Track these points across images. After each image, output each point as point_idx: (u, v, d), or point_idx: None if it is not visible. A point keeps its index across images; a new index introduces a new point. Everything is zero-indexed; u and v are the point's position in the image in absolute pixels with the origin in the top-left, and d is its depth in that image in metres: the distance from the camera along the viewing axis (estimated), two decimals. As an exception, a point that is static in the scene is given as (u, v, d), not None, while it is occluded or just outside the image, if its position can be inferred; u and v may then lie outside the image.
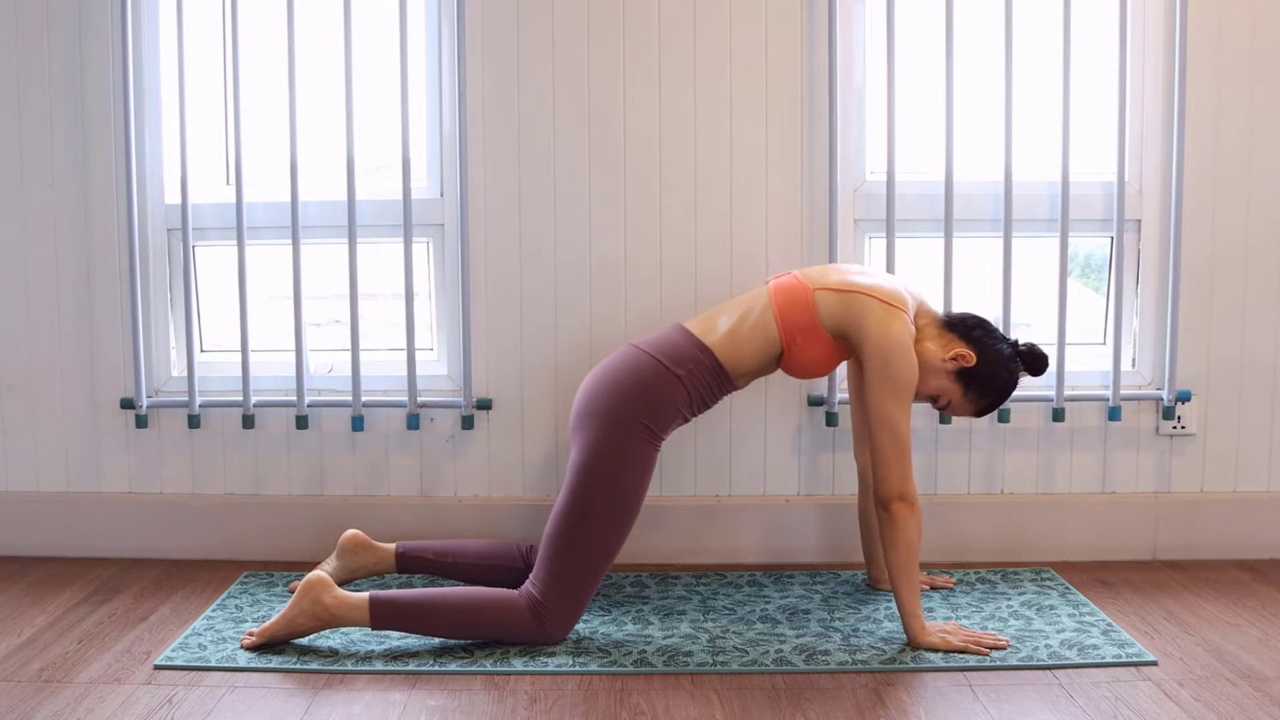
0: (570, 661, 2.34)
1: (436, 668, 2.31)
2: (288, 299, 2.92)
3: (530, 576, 2.42)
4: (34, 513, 3.01)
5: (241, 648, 2.40)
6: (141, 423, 2.95)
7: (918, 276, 2.98)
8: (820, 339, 2.45)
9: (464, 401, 2.93)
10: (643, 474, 2.40)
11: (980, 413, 2.53)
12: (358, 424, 2.94)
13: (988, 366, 2.47)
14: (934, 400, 2.53)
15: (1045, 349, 2.56)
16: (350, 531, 2.71)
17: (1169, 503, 2.98)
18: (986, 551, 2.96)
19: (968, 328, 2.51)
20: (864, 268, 2.58)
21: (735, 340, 2.47)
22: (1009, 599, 2.67)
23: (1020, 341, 2.54)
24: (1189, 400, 2.94)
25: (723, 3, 2.87)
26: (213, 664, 2.32)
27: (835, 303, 2.44)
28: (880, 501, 2.40)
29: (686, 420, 2.50)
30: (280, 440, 3.00)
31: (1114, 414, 2.91)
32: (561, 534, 2.38)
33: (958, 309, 2.82)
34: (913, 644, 2.39)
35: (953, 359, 2.46)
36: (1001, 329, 2.86)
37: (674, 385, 2.42)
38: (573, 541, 2.37)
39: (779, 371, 2.55)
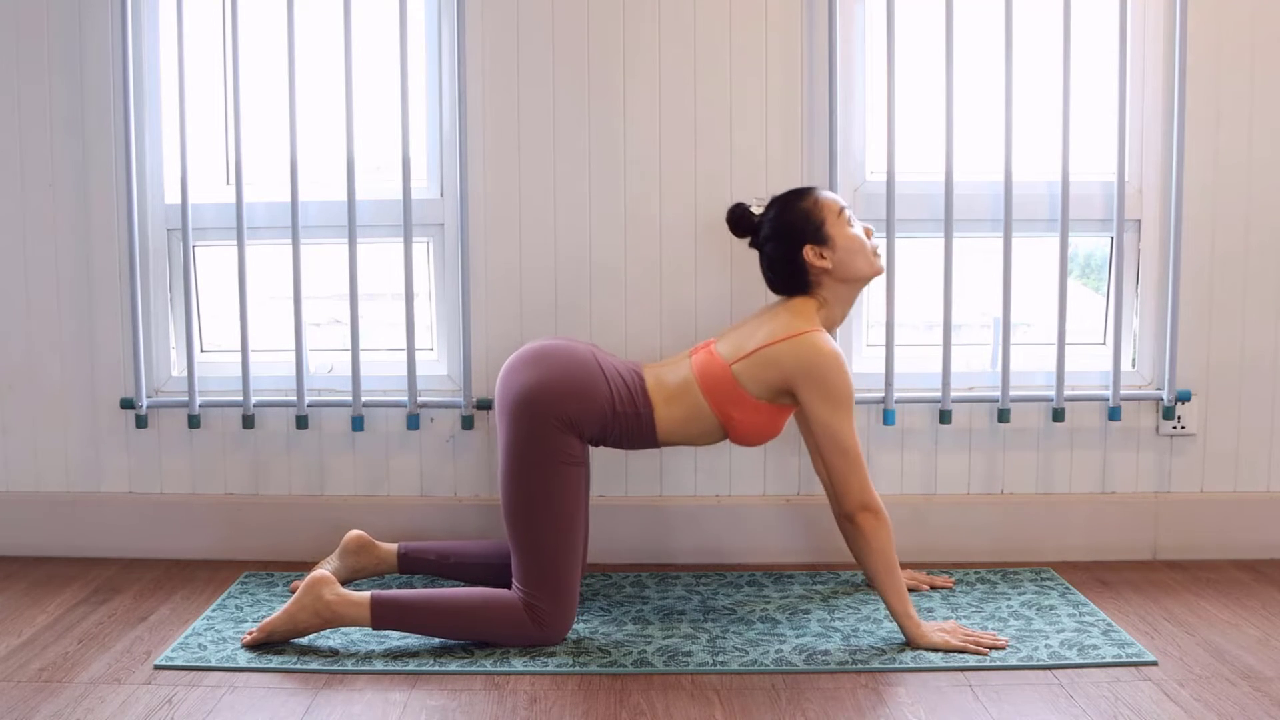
0: (570, 661, 2.34)
1: (436, 668, 2.31)
2: (288, 299, 2.92)
3: (513, 578, 2.42)
4: (34, 513, 3.01)
5: (242, 645, 2.40)
6: (141, 423, 2.95)
7: (918, 277, 2.99)
8: (756, 408, 2.43)
9: (464, 401, 2.93)
10: (570, 461, 2.38)
11: (840, 210, 2.47)
12: (358, 424, 2.94)
13: (796, 230, 2.45)
14: (874, 254, 2.48)
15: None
16: (354, 532, 2.71)
17: (1169, 503, 2.98)
18: (986, 551, 2.96)
19: (792, 268, 2.47)
20: (766, 313, 2.52)
21: (670, 405, 2.45)
22: (1009, 599, 2.67)
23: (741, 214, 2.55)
24: (1189, 400, 2.94)
25: (723, 3, 2.87)
26: (213, 664, 2.32)
27: (753, 369, 2.42)
28: (845, 516, 2.40)
29: (591, 442, 2.48)
30: (280, 440, 3.00)
31: (1114, 414, 2.91)
32: (516, 531, 2.38)
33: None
34: (912, 644, 2.39)
35: (823, 270, 2.44)
36: (1001, 332, 2.86)
37: (605, 412, 2.41)
38: (528, 536, 2.37)
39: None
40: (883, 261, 2.53)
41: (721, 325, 2.92)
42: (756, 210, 2.55)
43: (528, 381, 2.40)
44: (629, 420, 2.44)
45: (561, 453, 2.37)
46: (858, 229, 2.48)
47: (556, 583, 2.38)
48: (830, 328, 2.51)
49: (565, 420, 2.37)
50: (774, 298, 2.58)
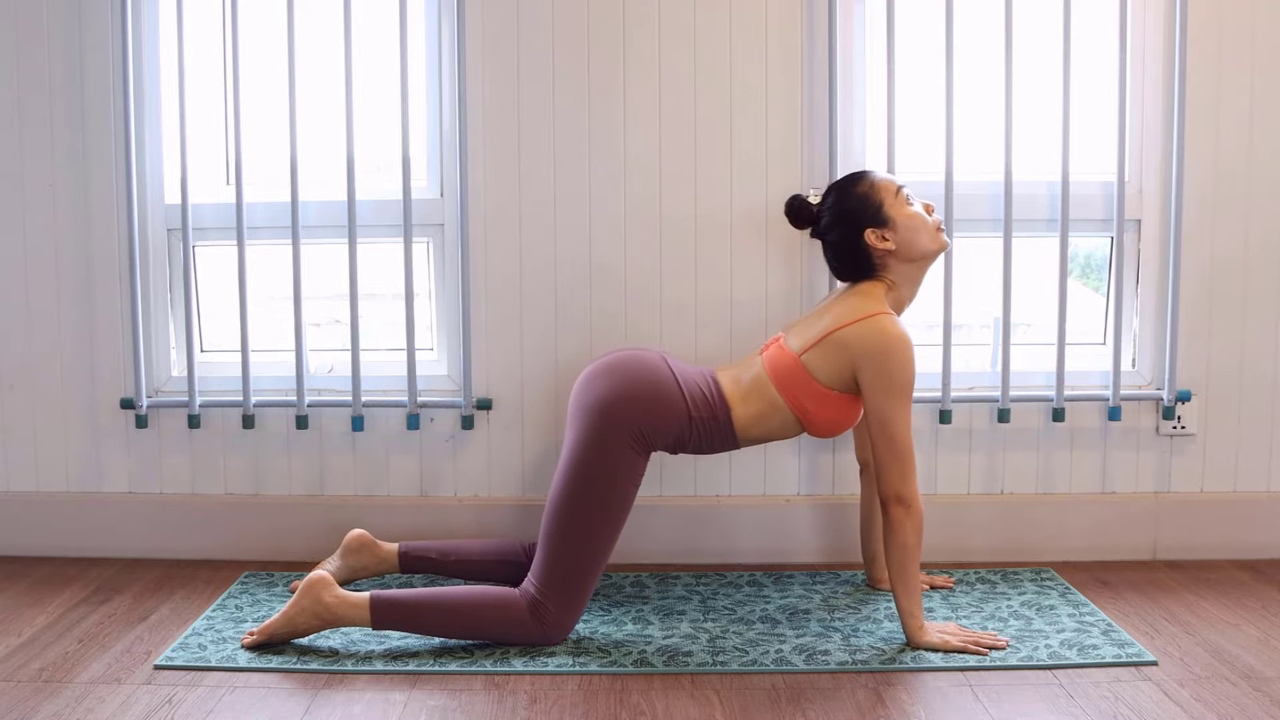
0: (570, 661, 2.34)
1: (436, 668, 2.31)
2: (288, 299, 2.92)
3: (529, 574, 2.42)
4: (34, 513, 3.01)
5: (241, 646, 2.40)
6: (141, 423, 2.95)
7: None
8: (829, 399, 2.43)
9: (464, 401, 2.93)
10: (632, 478, 2.40)
11: (897, 190, 2.46)
12: (358, 424, 2.94)
13: (856, 215, 2.44)
14: (936, 230, 2.47)
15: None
16: (356, 531, 2.71)
17: (1169, 503, 2.98)
18: (986, 551, 2.96)
19: (856, 255, 2.46)
20: (825, 304, 2.54)
21: (747, 402, 2.45)
22: (1009, 599, 2.67)
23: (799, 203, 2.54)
24: (1189, 400, 2.94)
25: (723, 3, 2.87)
26: (213, 664, 2.32)
27: (822, 357, 2.41)
28: (880, 500, 2.41)
29: (669, 450, 2.48)
30: (280, 440, 3.00)
31: (1114, 414, 2.91)
32: (555, 533, 2.38)
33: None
34: (912, 644, 2.39)
35: (887, 252, 2.43)
36: (1001, 332, 2.86)
37: (681, 420, 2.42)
38: (566, 541, 2.37)
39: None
40: (946, 236, 2.51)
41: (722, 324, 2.92)
42: (814, 200, 2.54)
43: (604, 392, 2.40)
44: (707, 424, 2.44)
45: (625, 469, 2.38)
46: (917, 206, 2.47)
47: (574, 589, 2.38)
48: (899, 309, 2.49)
49: (638, 433, 2.37)
50: (818, 295, 2.56)
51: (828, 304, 2.52)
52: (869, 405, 2.38)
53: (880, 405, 2.37)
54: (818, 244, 2.88)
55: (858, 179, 2.49)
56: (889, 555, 2.39)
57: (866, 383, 2.38)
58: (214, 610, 2.62)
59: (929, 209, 2.48)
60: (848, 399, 2.44)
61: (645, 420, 2.38)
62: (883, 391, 2.36)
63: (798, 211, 2.55)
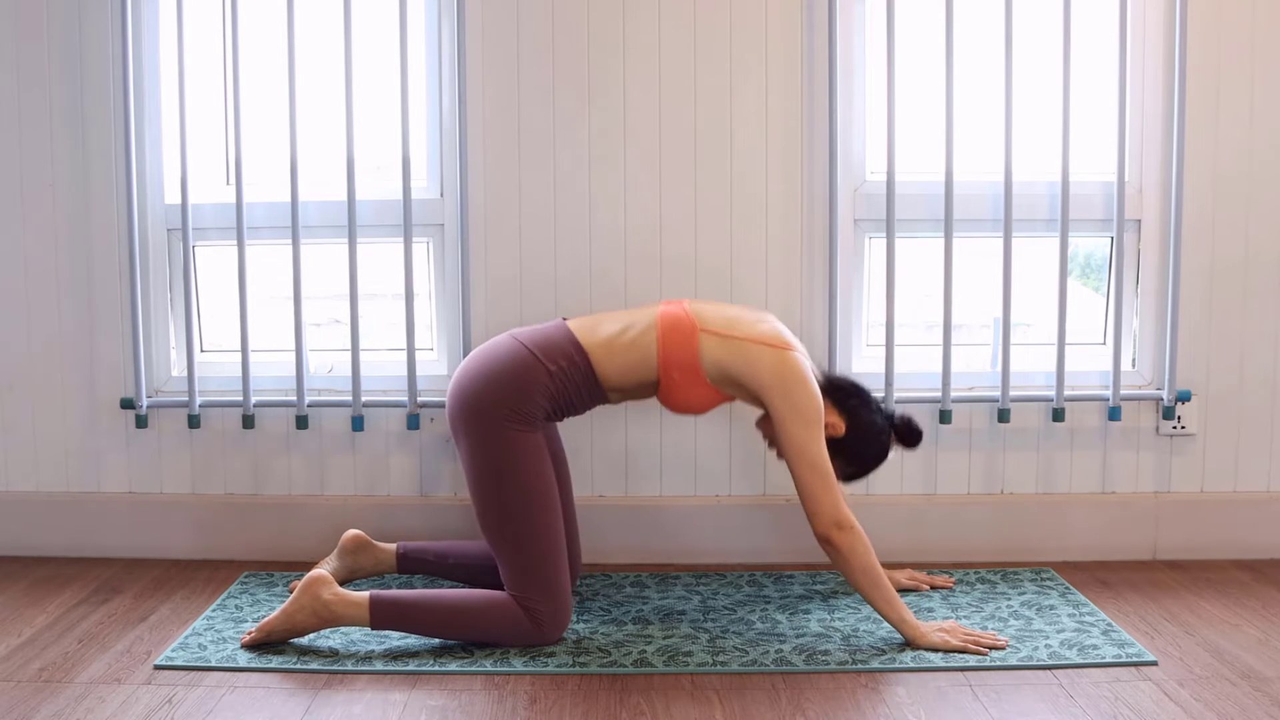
0: (570, 661, 2.34)
1: (436, 668, 2.31)
2: (288, 299, 2.92)
3: (504, 585, 2.42)
4: (34, 513, 3.01)
5: (241, 645, 2.40)
6: (141, 423, 2.95)
7: (918, 277, 3.00)
8: (700, 382, 2.42)
9: (464, 401, 2.92)
10: (533, 455, 2.38)
11: (845, 480, 2.52)
12: (358, 424, 2.94)
13: (857, 437, 2.48)
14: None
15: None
16: (352, 531, 2.71)
17: (1169, 503, 2.98)
18: (986, 551, 2.96)
19: (844, 395, 2.50)
20: (753, 313, 2.53)
21: (612, 351, 2.43)
22: (1009, 599, 2.67)
23: (896, 415, 2.54)
24: (1189, 400, 2.94)
25: (723, 3, 2.87)
26: (213, 664, 2.32)
27: (721, 350, 2.41)
28: (820, 538, 2.39)
29: (551, 417, 2.46)
30: (280, 440, 3.00)
31: (1114, 414, 2.91)
32: (496, 541, 2.39)
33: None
34: (912, 646, 2.39)
35: (834, 425, 2.46)
36: (1001, 332, 2.86)
37: (542, 378, 2.39)
38: (510, 543, 2.38)
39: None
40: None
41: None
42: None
43: (461, 395, 2.41)
44: (569, 375, 2.41)
45: (521, 450, 2.37)
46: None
47: (546, 581, 2.38)
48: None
49: (509, 412, 2.36)
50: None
51: (757, 314, 2.51)
52: (788, 440, 2.38)
53: (800, 437, 2.37)
54: (818, 246, 2.91)
55: (878, 458, 2.54)
56: (855, 581, 2.38)
57: (781, 418, 2.38)
58: (214, 610, 2.62)
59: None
60: (713, 392, 2.44)
61: (509, 396, 2.37)
62: (799, 423, 2.37)
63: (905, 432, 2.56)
